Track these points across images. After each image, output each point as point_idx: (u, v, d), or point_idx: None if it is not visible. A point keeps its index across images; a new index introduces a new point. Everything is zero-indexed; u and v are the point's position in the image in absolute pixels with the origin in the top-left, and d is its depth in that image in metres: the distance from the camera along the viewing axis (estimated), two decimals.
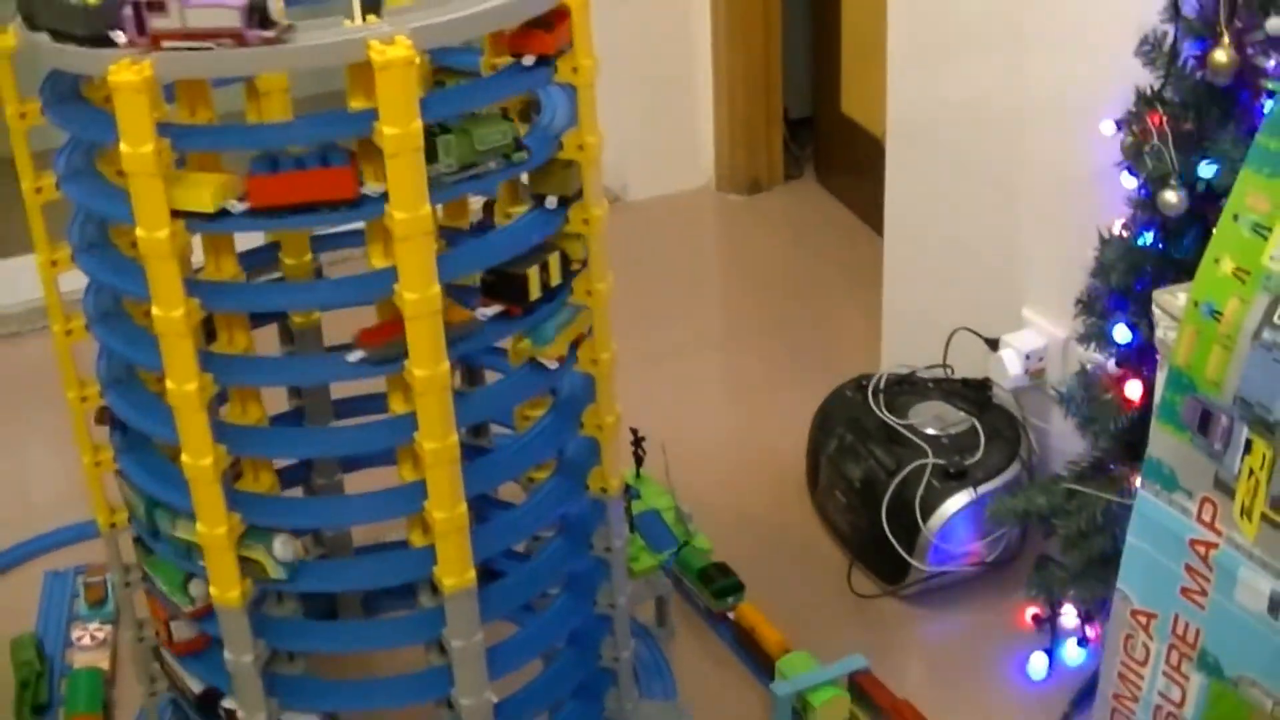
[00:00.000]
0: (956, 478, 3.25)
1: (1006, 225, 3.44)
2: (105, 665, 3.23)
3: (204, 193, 2.23)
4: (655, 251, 4.85)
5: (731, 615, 3.27)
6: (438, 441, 2.36)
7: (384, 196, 2.23)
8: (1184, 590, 2.38)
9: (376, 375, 2.41)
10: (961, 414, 3.39)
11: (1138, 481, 2.49)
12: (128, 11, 2.15)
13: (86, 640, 3.28)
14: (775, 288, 4.62)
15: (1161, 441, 2.36)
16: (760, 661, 3.17)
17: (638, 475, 3.55)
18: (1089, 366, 2.96)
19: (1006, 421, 3.40)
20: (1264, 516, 2.22)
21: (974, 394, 3.46)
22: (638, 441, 3.53)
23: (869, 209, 4.48)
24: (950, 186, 3.61)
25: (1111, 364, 2.86)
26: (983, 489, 3.23)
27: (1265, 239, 2.18)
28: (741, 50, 5.02)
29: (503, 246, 2.47)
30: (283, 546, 2.44)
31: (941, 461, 3.27)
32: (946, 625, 3.28)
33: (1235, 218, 2.23)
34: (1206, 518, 2.32)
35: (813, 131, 5.22)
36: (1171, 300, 2.42)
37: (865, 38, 4.63)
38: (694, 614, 3.33)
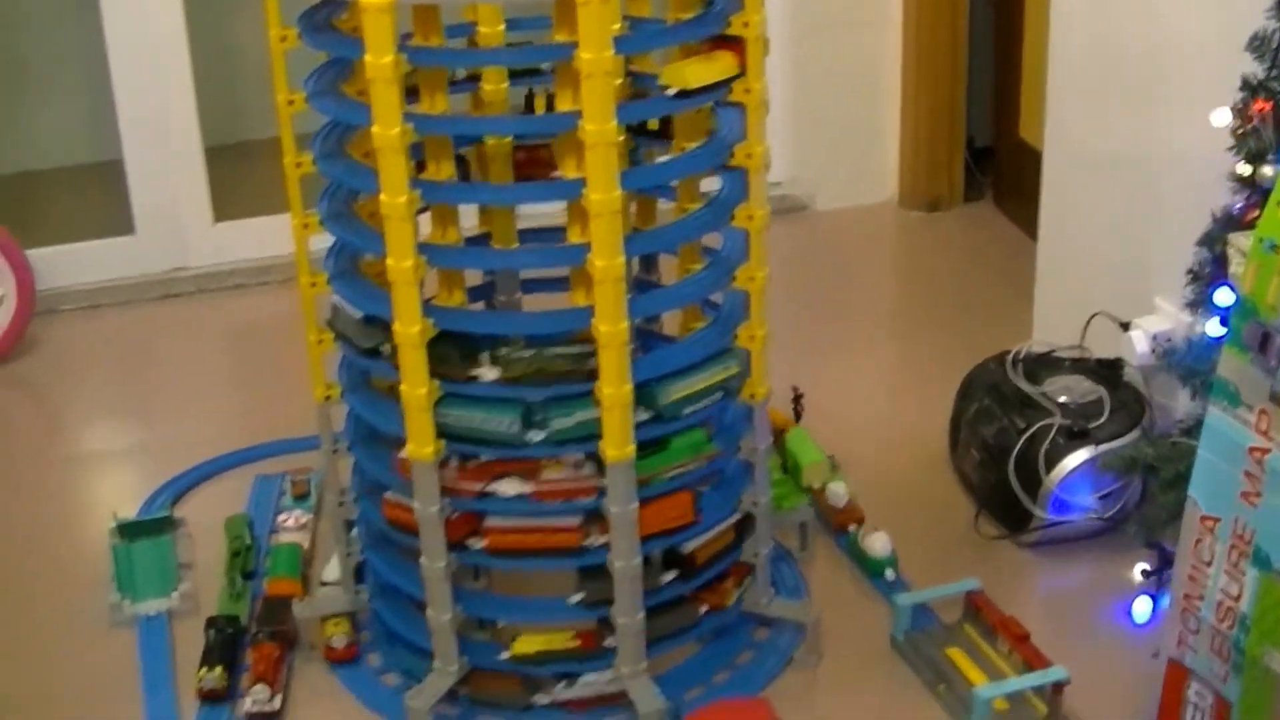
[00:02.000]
0: (1079, 437, 3.78)
1: (1143, 224, 4.01)
2: (305, 545, 3.87)
3: (732, 61, 3.02)
4: (835, 255, 5.49)
5: None
6: (610, 325, 2.96)
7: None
8: (1242, 494, 2.89)
9: None
10: (1090, 385, 3.91)
11: None
12: None
13: (290, 523, 3.96)
14: (942, 293, 5.21)
15: (1228, 363, 2.89)
16: None
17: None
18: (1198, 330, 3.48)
19: (1134, 397, 3.92)
20: None
21: (1106, 371, 3.98)
22: (798, 399, 4.11)
23: (1038, 228, 5.01)
24: (1095, 192, 4.21)
25: (1214, 324, 3.37)
26: (1102, 448, 3.75)
27: None
28: (928, 80, 5.62)
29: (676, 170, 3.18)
30: None
31: (1067, 422, 3.80)
32: (1060, 571, 3.81)
33: None
34: (1263, 427, 2.83)
35: (993, 158, 5.79)
36: (1244, 241, 2.95)
37: (1044, 69, 5.17)
38: (831, 544, 3.89)
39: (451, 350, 3.06)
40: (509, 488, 3.14)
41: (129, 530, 3.82)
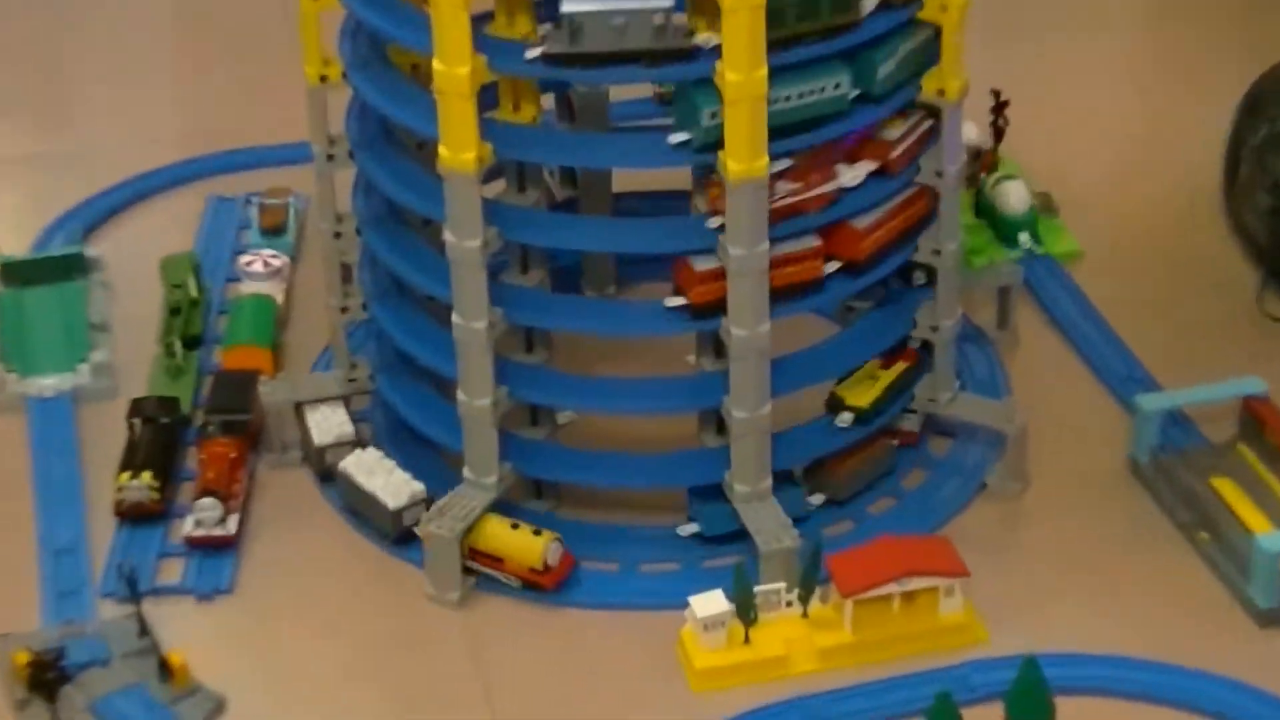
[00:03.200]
0: None
1: None
2: (279, 298, 3.73)
3: None
4: None
5: None
6: None
7: None
8: None
9: None
10: None
11: None
12: None
13: (258, 266, 3.79)
14: None
15: None
16: None
17: (995, 150, 3.96)
18: None
19: None
20: None
21: None
22: (1000, 107, 3.91)
23: None
24: None
25: None
26: None
27: None
28: None
29: None
30: None
31: None
32: None
33: None
34: None
35: None
36: None
37: None
38: (1043, 321, 3.72)
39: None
40: (856, 174, 3.10)
41: (18, 272, 3.74)
